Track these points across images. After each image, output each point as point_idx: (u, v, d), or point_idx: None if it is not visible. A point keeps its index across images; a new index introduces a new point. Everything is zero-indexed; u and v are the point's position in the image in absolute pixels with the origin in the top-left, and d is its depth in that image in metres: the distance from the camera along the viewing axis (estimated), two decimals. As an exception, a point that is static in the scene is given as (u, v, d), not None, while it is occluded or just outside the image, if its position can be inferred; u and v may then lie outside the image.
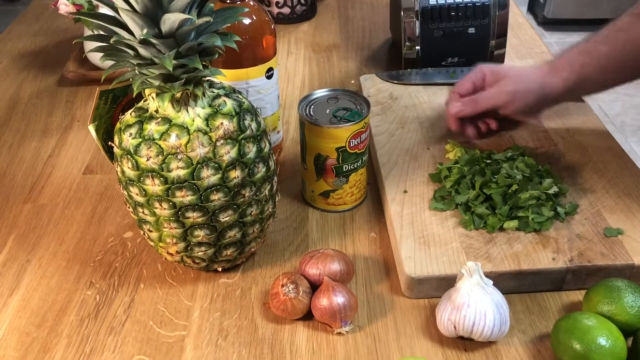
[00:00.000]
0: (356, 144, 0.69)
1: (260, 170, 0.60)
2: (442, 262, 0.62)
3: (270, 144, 0.62)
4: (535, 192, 0.66)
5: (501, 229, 0.65)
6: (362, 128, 0.69)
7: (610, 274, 0.61)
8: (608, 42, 0.70)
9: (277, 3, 1.20)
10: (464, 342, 0.58)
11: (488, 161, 0.72)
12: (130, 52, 0.54)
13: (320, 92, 0.73)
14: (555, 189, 0.68)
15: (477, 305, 0.55)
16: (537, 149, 0.78)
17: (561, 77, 0.70)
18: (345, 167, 0.70)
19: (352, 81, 1.03)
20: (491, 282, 0.57)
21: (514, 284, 0.62)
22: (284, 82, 1.03)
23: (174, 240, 0.60)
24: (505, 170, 0.69)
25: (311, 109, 0.71)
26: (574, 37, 2.87)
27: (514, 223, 0.65)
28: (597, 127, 0.84)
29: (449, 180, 0.70)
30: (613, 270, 0.61)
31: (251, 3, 0.70)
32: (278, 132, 0.79)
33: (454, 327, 0.56)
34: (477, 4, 0.93)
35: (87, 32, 1.01)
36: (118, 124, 0.59)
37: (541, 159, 0.76)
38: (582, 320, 0.54)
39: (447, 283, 0.60)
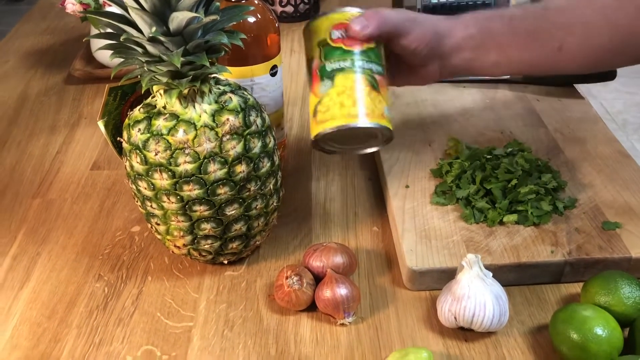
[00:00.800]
0: (340, 36, 0.60)
1: (265, 165, 0.61)
2: (443, 255, 0.63)
3: (274, 139, 0.64)
4: (534, 186, 0.68)
5: (501, 222, 0.66)
6: (347, 20, 0.61)
7: (608, 267, 0.63)
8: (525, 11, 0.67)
9: (280, 2, 1.21)
10: (465, 332, 0.59)
11: (488, 156, 0.73)
12: (139, 49, 0.55)
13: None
14: (554, 183, 0.69)
15: (477, 297, 0.56)
16: (536, 144, 0.80)
17: (464, 25, 0.66)
18: (329, 66, 0.59)
19: (355, 79, 1.04)
20: (491, 274, 0.58)
21: (513, 276, 0.63)
22: (288, 79, 1.05)
23: (181, 234, 0.61)
24: (505, 165, 0.70)
25: None
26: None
27: (513, 217, 0.66)
28: (597, 123, 0.85)
29: (450, 175, 0.72)
30: (611, 263, 0.63)
31: (256, 2, 0.72)
32: (282, 128, 0.81)
33: (455, 318, 0.57)
34: (478, 3, 0.94)
35: (94, 31, 1.02)
36: (127, 119, 0.60)
37: (541, 154, 0.77)
38: (579, 311, 0.55)
39: (447, 275, 0.61)
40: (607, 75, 0.92)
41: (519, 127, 0.83)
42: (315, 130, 0.59)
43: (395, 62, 0.67)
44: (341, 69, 0.59)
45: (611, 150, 0.79)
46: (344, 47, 0.59)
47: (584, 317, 0.54)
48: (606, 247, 0.64)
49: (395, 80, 0.68)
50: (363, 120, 0.58)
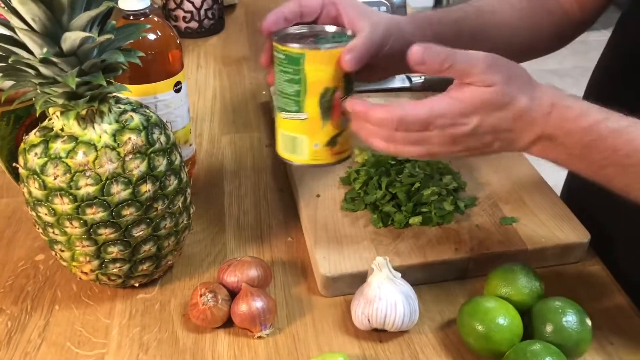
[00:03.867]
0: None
1: (172, 183, 0.60)
2: (355, 259, 0.65)
3: (181, 156, 0.63)
4: (436, 188, 0.71)
5: (407, 224, 0.69)
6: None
7: (507, 259, 0.66)
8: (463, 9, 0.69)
9: (184, 18, 1.20)
10: (379, 333, 0.61)
11: (392, 162, 0.76)
12: (31, 71, 0.54)
13: (292, 29, 0.61)
14: (454, 184, 0.73)
15: (387, 298, 0.58)
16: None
17: (422, 31, 0.64)
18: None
19: (264, 92, 1.05)
20: (400, 275, 0.61)
21: (422, 275, 0.66)
22: (195, 95, 1.04)
23: (88, 259, 0.59)
24: (408, 170, 0.73)
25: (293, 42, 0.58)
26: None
27: (418, 218, 0.69)
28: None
29: (358, 182, 0.74)
30: (509, 256, 0.67)
31: (155, 19, 0.71)
32: (190, 145, 0.80)
33: (368, 320, 0.59)
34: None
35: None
36: (22, 144, 0.58)
37: (441, 158, 0.81)
38: (482, 303, 0.58)
39: (360, 279, 0.63)
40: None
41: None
42: (328, 159, 0.61)
43: None
44: None
45: (506, 150, 0.84)
46: (352, 76, 0.59)
47: (487, 309, 0.57)
48: (504, 241, 0.68)
49: None
50: None
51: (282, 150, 0.62)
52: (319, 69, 0.57)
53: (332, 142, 0.60)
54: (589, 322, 0.57)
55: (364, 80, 0.67)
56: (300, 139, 0.60)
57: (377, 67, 0.62)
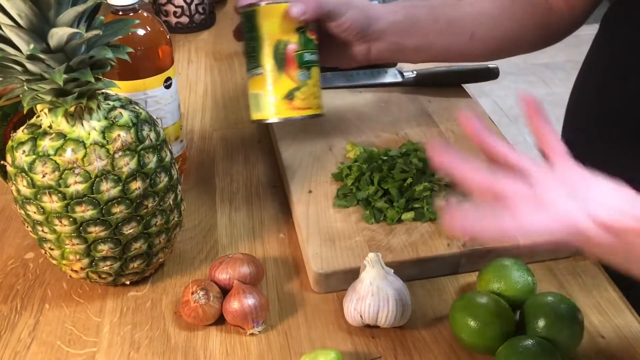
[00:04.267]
0: (312, 28, 0.66)
1: (163, 180, 0.60)
2: (347, 256, 0.65)
3: (171, 153, 0.63)
4: (428, 184, 0.71)
5: (399, 220, 0.69)
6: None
7: (500, 255, 0.66)
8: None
9: (175, 13, 1.19)
10: (371, 329, 0.61)
11: (385, 158, 0.75)
12: (18, 68, 0.53)
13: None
14: (447, 179, 0.73)
15: (380, 294, 0.58)
16: (429, 143, 0.83)
17: (392, 11, 0.70)
18: (307, 56, 0.65)
19: (255, 87, 1.04)
20: (392, 271, 0.61)
21: (414, 271, 0.66)
22: (186, 91, 1.03)
23: (78, 257, 0.59)
24: (401, 165, 0.73)
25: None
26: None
27: (410, 214, 0.69)
28: (485, 121, 0.90)
29: (350, 178, 0.74)
30: (502, 251, 0.67)
31: (144, 14, 0.70)
32: (181, 141, 0.79)
33: (360, 316, 0.59)
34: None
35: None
36: (10, 141, 0.57)
37: (434, 153, 0.81)
38: (475, 298, 0.58)
39: (352, 275, 0.62)
40: (491, 75, 0.98)
41: (413, 127, 0.87)
42: (290, 113, 0.65)
43: (327, 43, 0.69)
44: (315, 62, 0.66)
45: (498, 145, 0.84)
46: (314, 40, 0.65)
47: (479, 304, 0.57)
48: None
49: (325, 61, 0.70)
50: (323, 110, 0.69)
51: (251, 111, 0.67)
52: (271, 22, 0.63)
53: (289, 96, 0.65)
54: (580, 316, 0.57)
55: (333, 65, 0.73)
56: (261, 94, 0.65)
57: (336, 39, 0.68)
